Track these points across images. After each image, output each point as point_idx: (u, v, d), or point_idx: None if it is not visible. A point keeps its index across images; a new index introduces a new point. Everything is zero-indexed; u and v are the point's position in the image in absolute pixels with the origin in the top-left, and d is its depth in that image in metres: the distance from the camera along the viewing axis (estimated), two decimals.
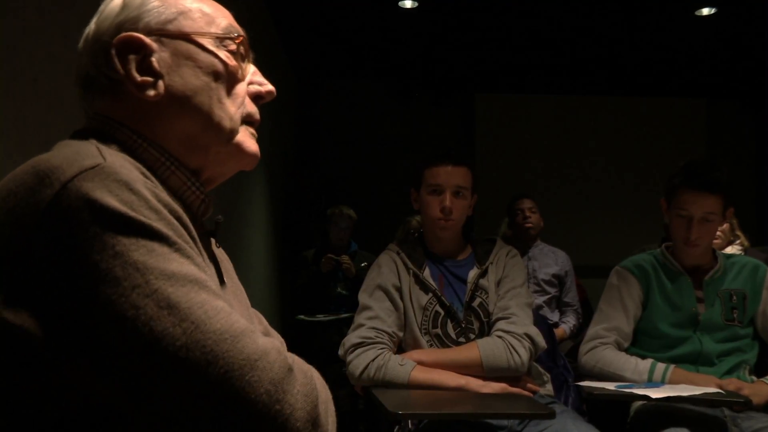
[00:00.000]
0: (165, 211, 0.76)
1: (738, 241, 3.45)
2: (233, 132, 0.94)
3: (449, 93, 7.02)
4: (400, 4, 5.18)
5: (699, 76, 6.65)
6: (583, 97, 7.01)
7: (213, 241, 1.02)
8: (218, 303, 0.73)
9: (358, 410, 3.90)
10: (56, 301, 0.70)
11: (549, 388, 2.11)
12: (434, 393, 1.89)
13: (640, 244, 3.77)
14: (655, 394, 1.79)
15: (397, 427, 2.05)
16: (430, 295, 2.08)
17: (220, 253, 1.04)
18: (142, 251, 0.70)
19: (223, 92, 0.94)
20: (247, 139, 0.96)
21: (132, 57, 0.89)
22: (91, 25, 0.94)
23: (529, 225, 4.10)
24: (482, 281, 2.11)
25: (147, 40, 0.90)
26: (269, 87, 1.00)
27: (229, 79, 0.94)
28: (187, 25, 0.93)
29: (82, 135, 0.89)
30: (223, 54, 0.94)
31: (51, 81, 1.91)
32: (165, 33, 0.91)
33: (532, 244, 4.12)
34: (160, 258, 0.71)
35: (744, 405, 1.89)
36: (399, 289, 2.08)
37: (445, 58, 6.44)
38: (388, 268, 2.11)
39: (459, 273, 2.15)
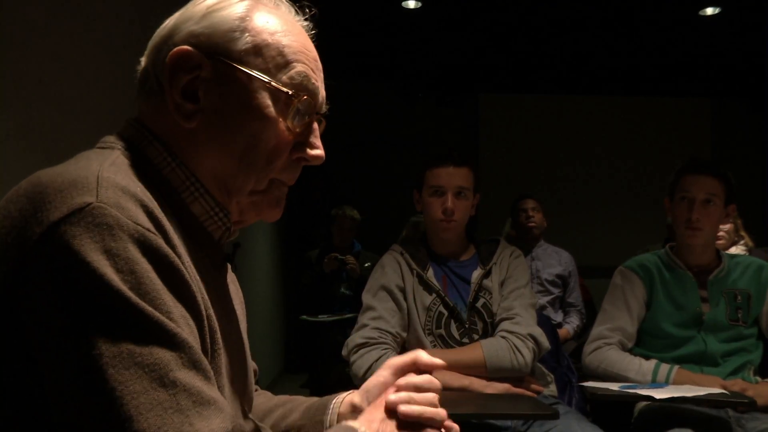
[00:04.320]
0: (139, 258, 0.69)
1: (742, 242, 3.45)
2: (255, 190, 0.88)
3: (453, 93, 7.02)
4: (403, 4, 5.18)
5: (703, 75, 6.63)
6: (587, 97, 7.00)
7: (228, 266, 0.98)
8: (157, 395, 0.66)
9: None
10: (27, 324, 0.69)
11: (553, 389, 2.12)
12: None
13: (644, 245, 3.78)
14: (659, 394, 1.79)
15: None
16: (434, 295, 2.08)
17: (230, 277, 0.99)
18: (98, 320, 0.67)
19: (260, 147, 0.85)
20: (271, 202, 0.90)
21: (182, 75, 0.83)
22: (171, 20, 0.88)
23: (533, 225, 4.09)
24: (486, 282, 2.11)
25: (205, 62, 0.83)
26: (318, 152, 0.91)
27: (274, 135, 0.85)
28: (255, 63, 0.84)
29: (109, 145, 0.84)
30: (277, 108, 0.85)
31: (57, 82, 1.92)
32: (226, 62, 0.83)
33: (535, 244, 4.11)
34: (114, 328, 0.67)
35: (748, 406, 1.88)
36: (403, 290, 2.08)
37: (449, 59, 6.44)
38: (391, 269, 2.11)
39: (462, 273, 2.15)
